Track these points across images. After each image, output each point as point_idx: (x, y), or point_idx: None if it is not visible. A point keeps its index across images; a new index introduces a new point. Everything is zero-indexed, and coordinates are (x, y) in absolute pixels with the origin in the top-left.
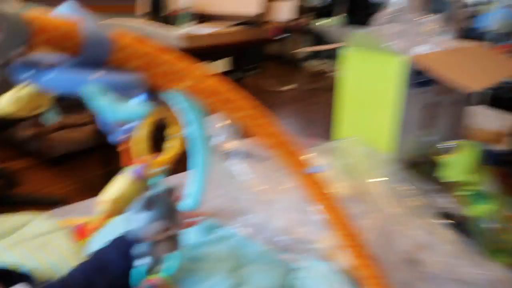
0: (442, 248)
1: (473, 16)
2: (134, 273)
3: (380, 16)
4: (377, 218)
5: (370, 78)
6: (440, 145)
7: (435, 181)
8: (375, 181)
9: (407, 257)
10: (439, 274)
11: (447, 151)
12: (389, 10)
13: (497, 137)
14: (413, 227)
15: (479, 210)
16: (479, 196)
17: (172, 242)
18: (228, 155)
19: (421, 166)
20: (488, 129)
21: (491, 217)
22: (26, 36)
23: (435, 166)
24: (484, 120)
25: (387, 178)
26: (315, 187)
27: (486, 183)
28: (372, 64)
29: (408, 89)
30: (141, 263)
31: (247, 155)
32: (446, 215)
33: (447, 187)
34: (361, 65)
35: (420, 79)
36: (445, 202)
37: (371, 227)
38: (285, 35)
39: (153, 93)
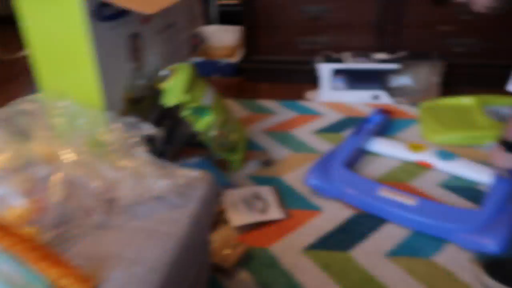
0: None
1: None
2: None
3: None
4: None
5: (53, 23)
6: (157, 74)
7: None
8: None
9: (102, 197)
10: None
11: (164, 78)
12: None
13: (231, 51)
14: (102, 169)
15: (202, 123)
16: (200, 111)
17: None
18: None
19: (143, 101)
20: (222, 45)
21: (211, 126)
22: None
23: (158, 95)
24: (219, 36)
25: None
26: None
27: (205, 97)
28: (51, 6)
29: (98, 25)
30: None
31: None
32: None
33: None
34: (41, 8)
35: (108, 12)
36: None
37: (59, 183)
38: None
39: None
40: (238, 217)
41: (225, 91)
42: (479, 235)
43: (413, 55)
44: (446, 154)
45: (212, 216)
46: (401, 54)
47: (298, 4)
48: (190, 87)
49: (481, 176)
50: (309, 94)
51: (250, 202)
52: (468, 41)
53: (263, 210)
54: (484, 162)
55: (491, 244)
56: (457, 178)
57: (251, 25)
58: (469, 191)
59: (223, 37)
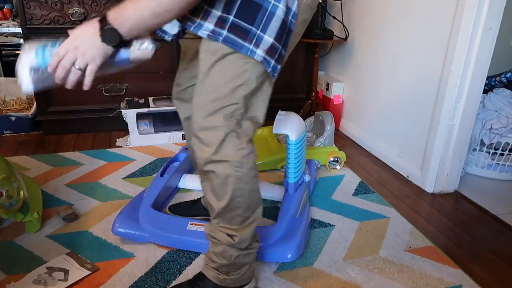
0: None
1: None
2: None
3: None
4: None
5: None
6: None
7: None
8: None
9: None
10: None
11: None
12: None
13: (25, 105)
14: None
15: None
16: None
17: None
18: None
19: None
20: (13, 99)
21: None
22: None
23: None
24: (8, 89)
25: None
26: None
27: None
28: None
29: None
30: None
31: None
32: None
33: None
34: None
35: None
36: None
37: None
38: None
39: None
40: None
41: (20, 148)
42: (275, 247)
43: None
44: None
45: None
46: None
47: None
48: None
49: (279, 195)
50: (120, 141)
51: (45, 279)
52: None
53: (64, 278)
54: (281, 182)
55: (286, 253)
56: None
57: None
58: (271, 210)
59: (14, 90)
